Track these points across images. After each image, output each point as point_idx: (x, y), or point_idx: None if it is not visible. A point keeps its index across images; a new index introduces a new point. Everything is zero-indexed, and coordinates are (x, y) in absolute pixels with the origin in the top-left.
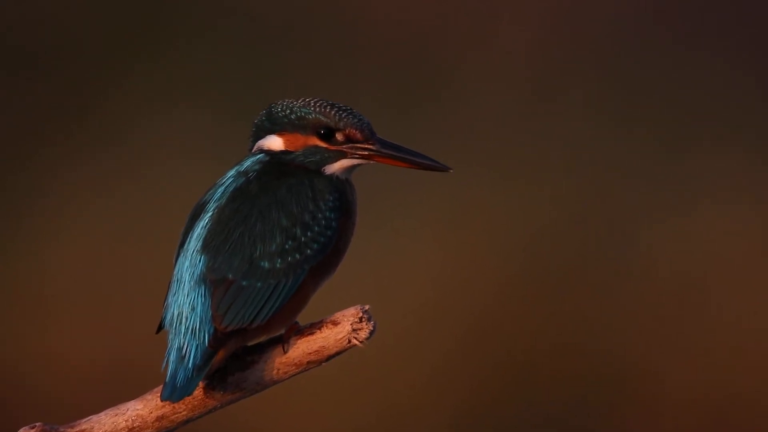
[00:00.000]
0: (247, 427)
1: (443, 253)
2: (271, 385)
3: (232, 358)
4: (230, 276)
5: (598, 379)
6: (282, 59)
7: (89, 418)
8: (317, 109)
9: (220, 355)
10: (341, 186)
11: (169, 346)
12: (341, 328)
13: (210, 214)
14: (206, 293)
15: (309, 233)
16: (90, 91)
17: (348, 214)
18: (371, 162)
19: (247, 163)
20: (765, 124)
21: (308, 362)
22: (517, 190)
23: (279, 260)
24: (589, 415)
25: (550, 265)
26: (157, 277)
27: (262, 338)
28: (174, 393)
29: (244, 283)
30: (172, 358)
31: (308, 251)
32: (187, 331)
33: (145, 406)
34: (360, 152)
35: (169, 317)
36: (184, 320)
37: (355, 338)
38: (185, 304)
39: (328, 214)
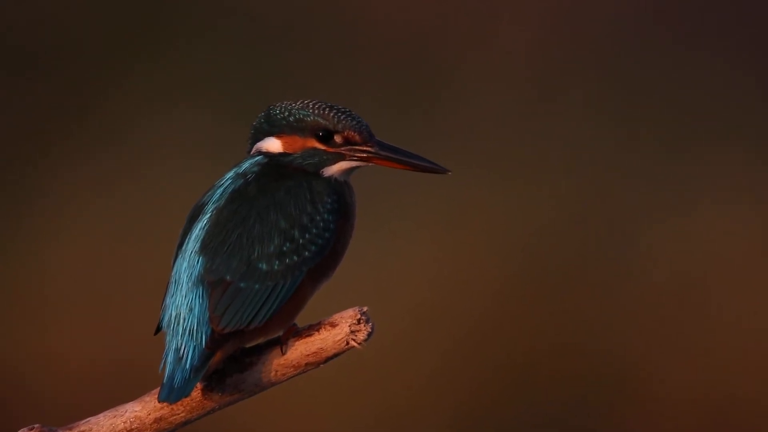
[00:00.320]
0: (245, 429)
1: (442, 254)
2: (270, 387)
3: (231, 360)
4: (228, 277)
5: (598, 379)
6: (282, 59)
7: (87, 419)
8: (316, 112)
9: (218, 356)
10: (340, 188)
11: (167, 347)
12: (339, 330)
13: (208, 215)
14: (204, 294)
15: (307, 235)
16: (90, 92)
17: (346, 216)
18: (370, 164)
19: (246, 164)
20: (765, 124)
21: (306, 364)
22: (516, 190)
23: (277, 262)
24: (589, 415)
25: (549, 265)
26: (156, 278)
27: (260, 340)
28: (171, 394)
29: (241, 284)
30: (169, 359)
31: (306, 253)
32: (185, 333)
33: (144, 408)
34: (358, 154)
35: (166, 318)
36: (181, 321)
37: (354, 340)
38: (183, 305)
39: (326, 216)
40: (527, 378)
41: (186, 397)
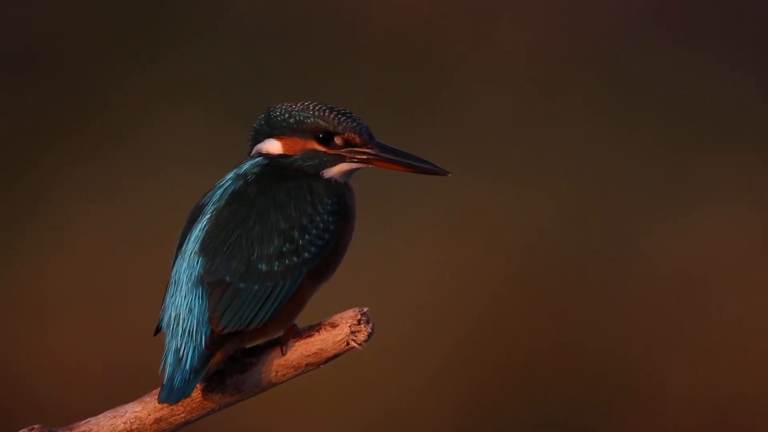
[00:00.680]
0: (245, 430)
1: (442, 255)
2: (270, 388)
3: (231, 361)
4: (228, 278)
5: (599, 379)
6: (282, 61)
7: (87, 420)
8: (316, 113)
9: (218, 357)
10: (340, 189)
11: (167, 348)
12: (340, 331)
13: (208, 216)
14: (203, 295)
15: (307, 236)
16: (90, 93)
17: (346, 217)
18: (370, 166)
19: (246, 166)
20: (765, 125)
21: (307, 364)
22: (516, 191)
23: (276, 263)
24: (589, 415)
25: (549, 266)
26: (156, 279)
27: (260, 341)
28: (171, 395)
29: (241, 285)
30: (169, 360)
31: (306, 254)
32: (185, 333)
33: (144, 408)
34: (359, 156)
35: (166, 319)
36: (181, 322)
37: (354, 340)
38: (182, 306)
39: (326, 217)
40: (528, 379)
41: (186, 398)
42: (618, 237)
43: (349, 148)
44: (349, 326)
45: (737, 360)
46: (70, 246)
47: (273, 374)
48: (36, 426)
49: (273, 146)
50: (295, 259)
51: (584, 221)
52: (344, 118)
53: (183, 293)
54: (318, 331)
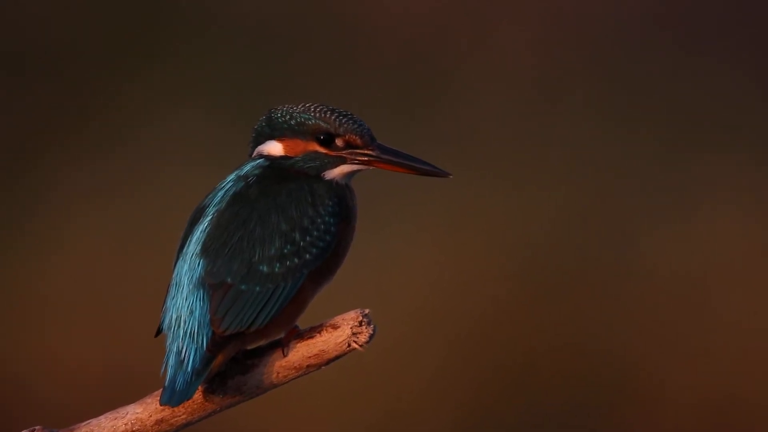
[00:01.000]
0: (246, 431)
1: (442, 255)
2: (271, 389)
3: (232, 362)
4: (229, 280)
5: (599, 379)
6: (283, 62)
7: (88, 421)
8: (317, 115)
9: (220, 359)
10: (341, 191)
11: (168, 350)
12: (341, 332)
13: (209, 218)
14: (205, 297)
15: (308, 238)
16: (92, 95)
17: (347, 219)
18: (371, 168)
19: (247, 167)
20: (765, 125)
21: (308, 366)
22: (516, 191)
23: (278, 264)
24: (589, 415)
25: (550, 266)
26: (157, 281)
27: (262, 342)
28: (173, 397)
29: (242, 287)
30: (171, 362)
31: (307, 256)
32: (186, 335)
33: (145, 410)
34: (360, 158)
35: (167, 321)
36: (182, 324)
37: (355, 342)
38: (184, 307)
39: (327, 219)
40: (528, 379)
41: (188, 400)
42: (618, 237)
43: (350, 150)
44: (351, 328)
45: (737, 360)
46: (70, 246)
47: (274, 375)
48: (37, 427)
49: (274, 148)
50: (296, 260)
51: (584, 221)
52: (345, 119)
53: (184, 295)
54: (319, 332)
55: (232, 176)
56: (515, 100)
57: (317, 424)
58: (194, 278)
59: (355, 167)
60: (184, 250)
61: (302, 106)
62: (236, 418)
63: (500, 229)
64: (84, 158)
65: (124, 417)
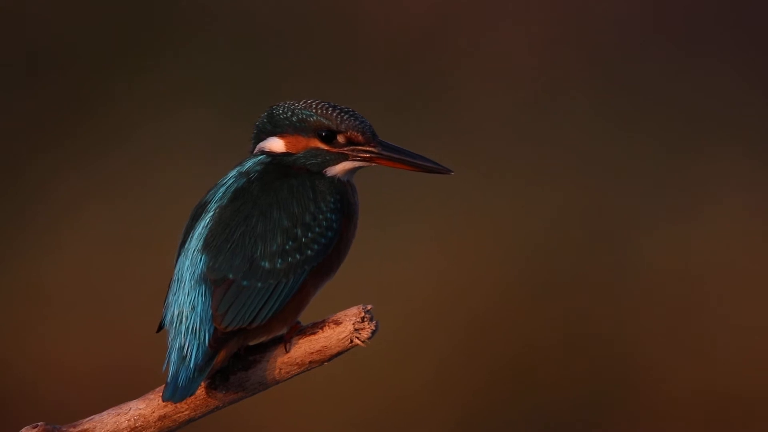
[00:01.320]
0: (249, 427)
1: (445, 252)
2: (274, 385)
3: (235, 358)
4: (231, 276)
5: (600, 377)
6: (285, 61)
7: (91, 417)
8: (319, 112)
9: (222, 355)
10: (342, 187)
11: (170, 346)
12: (343, 328)
13: (211, 213)
14: (207, 293)
15: (310, 234)
16: (91, 94)
17: (349, 215)
18: (373, 164)
19: (249, 163)
20: (766, 126)
21: (310, 362)
22: (517, 191)
23: (279, 260)
24: (590, 413)
25: (552, 265)
26: (158, 278)
27: (264, 338)
28: (176, 393)
29: (244, 283)
30: (173, 358)
31: (309, 252)
32: (188, 331)
33: (148, 406)
34: (361, 155)
35: (169, 317)
36: (184, 320)
37: (357, 338)
38: (186, 303)
39: (329, 215)
40: (529, 376)
41: (190, 396)
42: (618, 237)
43: (351, 147)
44: (353, 324)
45: (738, 357)
46: (71, 243)
47: (277, 372)
48: (39, 424)
49: (276, 144)
50: (298, 256)
51: (586, 222)
52: (347, 116)
53: (186, 291)
54: (322, 328)
55: (233, 172)
56: (515, 100)
57: (319, 420)
58: (196, 274)
59: (356, 164)
60: (186, 246)
61: (304, 103)
62: (239, 414)
63: (501, 228)
64: (84, 157)
65: (126, 413)
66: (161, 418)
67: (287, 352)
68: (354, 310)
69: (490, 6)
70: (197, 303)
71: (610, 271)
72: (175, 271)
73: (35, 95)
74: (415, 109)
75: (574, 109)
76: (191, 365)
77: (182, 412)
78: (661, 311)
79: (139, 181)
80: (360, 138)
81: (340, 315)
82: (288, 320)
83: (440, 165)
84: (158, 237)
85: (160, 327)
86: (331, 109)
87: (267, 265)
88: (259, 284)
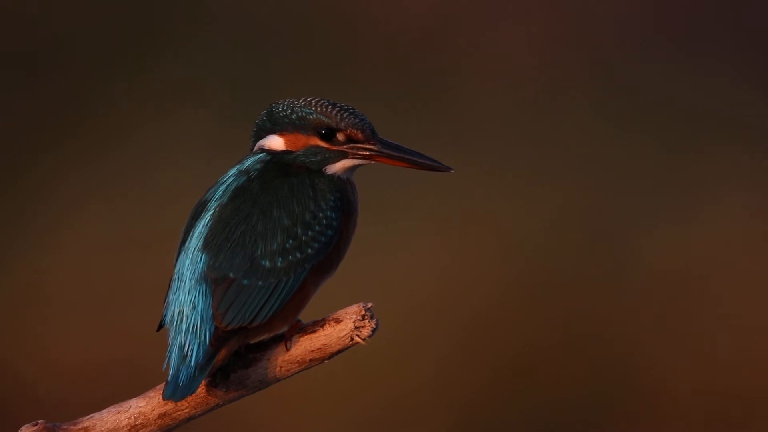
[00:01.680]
0: (249, 425)
1: (446, 250)
2: (274, 383)
3: (235, 356)
4: (231, 275)
5: (600, 377)
6: (285, 60)
7: (91, 415)
8: (318, 109)
9: (222, 353)
10: (342, 186)
11: (171, 345)
12: (344, 326)
13: (211, 212)
14: (207, 292)
15: (310, 232)
16: (91, 94)
17: (349, 213)
18: (372, 162)
19: (249, 162)
20: (765, 126)
21: (311, 360)
22: (520, 189)
23: (280, 259)
24: (592, 415)
25: (552, 265)
26: (158, 277)
27: (264, 337)
28: (176, 392)
29: (245, 281)
30: (173, 357)
31: (309, 250)
32: (188, 330)
33: (148, 404)
34: (361, 152)
35: (169, 315)
36: (185, 319)
37: (358, 336)
38: (186, 302)
39: (329, 213)
40: (530, 375)
41: (191, 394)
42: (619, 236)
43: (351, 144)
44: (354, 322)
45: (738, 357)
46: (71, 242)
47: (277, 369)
48: (39, 421)
49: (275, 142)
50: (298, 255)
51: (586, 220)
52: (347, 114)
53: (186, 290)
54: (322, 326)
55: (233, 171)
56: (515, 100)
57: (319, 418)
58: (196, 273)
59: (356, 162)
60: (186, 245)
61: (303, 101)
62: (239, 412)
63: (501, 227)
64: (84, 157)
65: (127, 411)
66: (161, 415)
67: (288, 350)
68: (354, 308)
69: (490, 6)
70: (198, 302)
71: (610, 271)
72: (175, 270)
73: (35, 95)
74: (415, 109)
75: (574, 109)
76: (192, 364)
77: (182, 410)
78: (661, 311)
79: (139, 181)
80: (360, 136)
81: (340, 313)
82: (288, 318)
83: (440, 163)
84: (158, 237)
85: (160, 326)
86: (330, 106)
87: (267, 263)
88: (260, 283)
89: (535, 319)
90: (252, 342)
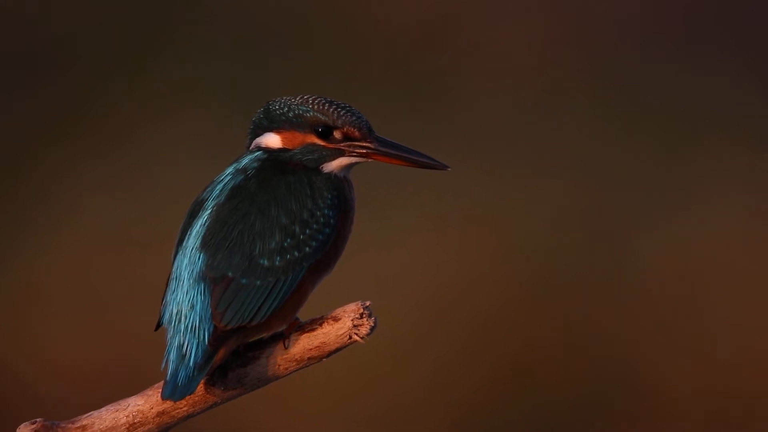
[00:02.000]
0: (247, 423)
1: (444, 248)
2: (272, 381)
3: (233, 355)
4: (230, 274)
5: (599, 376)
6: (284, 60)
7: (90, 413)
8: (315, 107)
9: (221, 353)
10: (339, 184)
11: (169, 344)
12: (342, 324)
13: (209, 211)
14: (206, 291)
15: (308, 231)
16: (91, 93)
17: (346, 211)
18: (369, 160)
19: (246, 160)
20: (765, 126)
21: (309, 358)
22: (519, 188)
23: (278, 258)
24: (592, 415)
25: (552, 265)
26: (158, 277)
27: (263, 335)
28: (175, 392)
29: (243, 281)
30: (172, 356)
31: (307, 249)
32: (187, 330)
33: (146, 402)
34: (358, 150)
35: (167, 315)
36: (183, 318)
37: (356, 334)
38: (184, 302)
39: (326, 212)
40: (528, 374)
41: (190, 394)
42: (619, 236)
43: (348, 142)
44: (352, 320)
45: (738, 357)
46: (70, 242)
47: (275, 368)
48: (38, 420)
49: (272, 140)
50: (296, 253)
51: (586, 220)
52: (343, 111)
53: (185, 289)
54: (320, 324)
55: (230, 169)
56: (515, 100)
57: (317, 416)
58: (195, 272)
59: (353, 160)
60: (184, 244)
61: (300, 98)
62: (237, 410)
63: (500, 226)
64: (84, 157)
65: (125, 409)
66: (159, 414)
67: (286, 348)
68: (352, 306)
69: (490, 6)
70: (196, 301)
71: (610, 271)
72: (173, 270)
73: (35, 95)
74: (415, 109)
75: (574, 109)
76: (191, 364)
77: (181, 408)
78: (661, 311)
79: (138, 181)
80: (356, 133)
81: (338, 311)
82: (287, 317)
83: (437, 161)
84: (158, 237)
85: (158, 325)
86: (327, 104)
87: (266, 262)
88: (258, 282)
89: (535, 319)
90: (250, 340)
